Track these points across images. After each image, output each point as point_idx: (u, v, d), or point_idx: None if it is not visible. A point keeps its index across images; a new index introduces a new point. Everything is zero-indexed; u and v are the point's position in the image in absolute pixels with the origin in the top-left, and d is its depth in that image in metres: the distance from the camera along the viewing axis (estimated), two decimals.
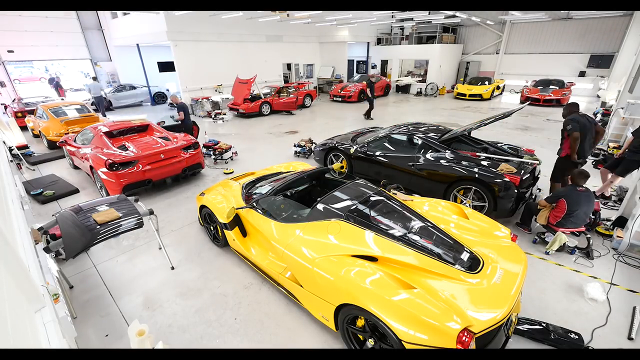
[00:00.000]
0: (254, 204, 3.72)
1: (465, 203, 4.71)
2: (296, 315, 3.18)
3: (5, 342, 1.06)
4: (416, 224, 3.07)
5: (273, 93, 13.67)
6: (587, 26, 16.37)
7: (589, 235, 3.78)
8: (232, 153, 7.80)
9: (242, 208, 3.74)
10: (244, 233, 3.87)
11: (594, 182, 5.99)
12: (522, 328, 2.88)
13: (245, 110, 12.67)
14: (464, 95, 16.63)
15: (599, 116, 10.87)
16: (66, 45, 16.57)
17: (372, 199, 3.35)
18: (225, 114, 12.76)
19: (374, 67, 21.83)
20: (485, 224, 3.20)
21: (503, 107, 14.75)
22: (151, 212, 3.70)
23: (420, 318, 2.15)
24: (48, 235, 3.07)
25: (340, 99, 16.31)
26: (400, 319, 2.20)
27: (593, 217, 4.15)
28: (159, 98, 17.06)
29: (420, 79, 19.66)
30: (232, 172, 7.01)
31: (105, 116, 11.66)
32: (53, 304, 1.97)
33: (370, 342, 2.48)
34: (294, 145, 8.21)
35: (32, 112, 10.58)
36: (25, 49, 15.34)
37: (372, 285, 2.41)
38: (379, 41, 21.55)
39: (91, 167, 5.77)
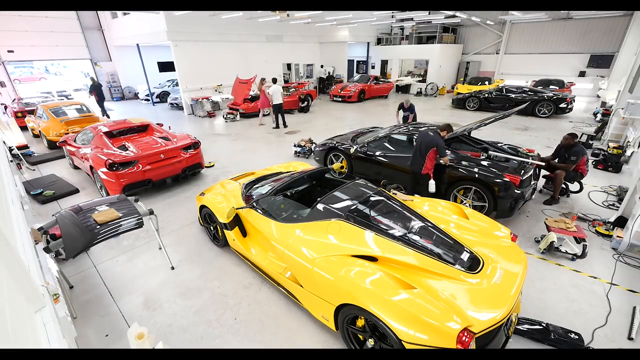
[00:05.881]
0: (254, 204, 3.71)
1: (465, 203, 4.71)
2: (296, 315, 3.18)
3: (5, 342, 1.06)
4: (416, 224, 3.07)
5: None
6: (587, 26, 16.37)
7: (586, 243, 3.90)
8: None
9: (242, 208, 3.74)
10: (244, 233, 3.86)
11: (593, 182, 6.00)
12: (522, 328, 2.88)
13: (245, 111, 12.67)
14: None
15: (599, 116, 10.87)
16: (66, 45, 16.57)
17: (372, 199, 3.35)
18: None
19: (373, 67, 21.85)
20: (485, 224, 3.20)
21: None
22: (151, 212, 3.70)
23: (420, 318, 2.15)
24: (48, 235, 3.07)
25: (340, 99, 16.31)
26: (400, 319, 2.20)
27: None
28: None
29: (420, 79, 19.66)
30: (213, 165, 7.12)
31: None
32: (53, 304, 1.97)
33: (370, 342, 2.48)
34: (294, 145, 8.21)
35: (32, 112, 10.58)
36: (25, 49, 15.32)
37: (372, 285, 2.41)
38: (379, 41, 21.54)
39: (91, 167, 5.77)
